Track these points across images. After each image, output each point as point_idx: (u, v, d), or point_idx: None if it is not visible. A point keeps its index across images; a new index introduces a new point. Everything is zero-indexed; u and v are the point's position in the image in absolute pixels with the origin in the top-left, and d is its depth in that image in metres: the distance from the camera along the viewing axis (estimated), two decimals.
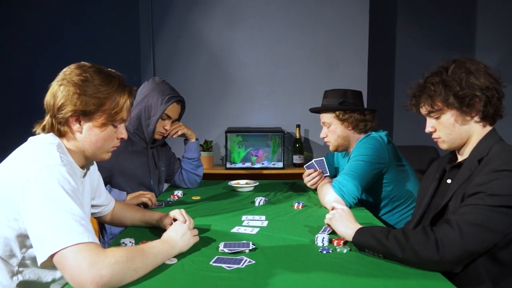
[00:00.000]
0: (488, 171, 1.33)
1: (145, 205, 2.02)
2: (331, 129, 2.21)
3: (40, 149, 1.23)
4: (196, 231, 1.50)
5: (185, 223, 1.50)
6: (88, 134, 1.31)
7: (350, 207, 1.96)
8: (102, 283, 1.06)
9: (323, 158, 2.27)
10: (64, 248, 1.06)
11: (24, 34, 4.24)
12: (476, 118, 1.44)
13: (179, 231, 1.39)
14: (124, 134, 1.39)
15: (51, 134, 1.31)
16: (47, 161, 1.18)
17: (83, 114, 1.28)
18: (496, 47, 4.17)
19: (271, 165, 3.45)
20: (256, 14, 3.55)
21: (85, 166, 1.42)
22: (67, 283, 1.12)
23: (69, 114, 1.27)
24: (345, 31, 3.56)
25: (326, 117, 2.22)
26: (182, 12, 3.55)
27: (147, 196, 2.03)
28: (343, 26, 3.56)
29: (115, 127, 1.36)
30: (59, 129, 1.30)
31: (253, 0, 3.54)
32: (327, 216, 1.60)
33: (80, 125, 1.30)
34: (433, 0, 4.21)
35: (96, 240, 1.11)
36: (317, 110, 2.28)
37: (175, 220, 1.59)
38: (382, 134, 2.16)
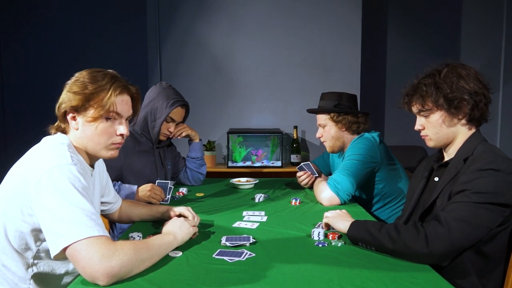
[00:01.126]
0: (473, 170, 1.32)
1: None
2: (326, 130, 2.21)
3: (52, 149, 1.24)
4: (194, 222, 1.50)
5: (193, 219, 1.51)
6: (83, 129, 1.30)
7: (344, 203, 1.96)
8: (113, 274, 1.06)
9: (309, 162, 2.32)
10: (76, 241, 1.06)
11: (45, 44, 4.24)
12: (463, 121, 1.44)
13: (176, 224, 1.41)
14: (122, 130, 1.34)
15: (62, 134, 1.32)
16: (58, 161, 1.18)
17: (75, 110, 1.29)
18: (478, 55, 4.17)
19: (270, 164, 3.45)
20: (256, 22, 3.55)
21: (94, 165, 1.42)
22: (79, 275, 1.12)
23: (63, 110, 1.30)
24: (339, 38, 3.56)
25: (322, 118, 2.22)
26: (187, 20, 3.54)
27: (156, 198, 1.97)
28: (337, 34, 3.55)
29: (108, 120, 1.31)
30: (60, 126, 1.33)
31: (254, 9, 3.54)
32: (326, 214, 1.59)
33: (76, 121, 1.31)
34: (421, 11, 4.20)
35: (106, 233, 1.11)
36: (313, 111, 2.28)
37: (179, 216, 1.59)
38: (375, 134, 2.16)
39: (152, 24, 3.55)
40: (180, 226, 1.40)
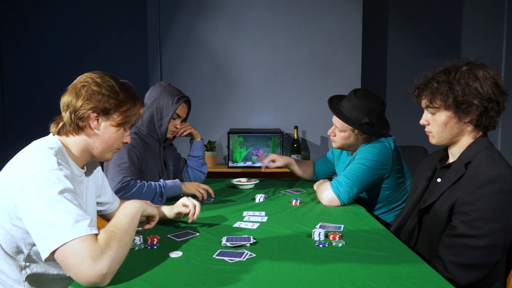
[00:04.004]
0: (475, 187, 1.32)
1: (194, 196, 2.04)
2: (343, 135, 2.08)
3: (38, 155, 1.22)
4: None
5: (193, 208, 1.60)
6: (103, 132, 1.33)
7: (344, 205, 1.95)
8: (106, 273, 1.07)
9: None
10: (63, 244, 1.06)
11: (45, 44, 4.24)
12: (469, 125, 1.41)
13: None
14: (128, 139, 1.43)
15: (56, 136, 1.32)
16: (43, 166, 1.17)
17: (103, 112, 1.31)
18: (479, 55, 4.13)
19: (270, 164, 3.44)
20: (257, 22, 3.55)
21: (86, 166, 1.41)
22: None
23: (91, 110, 1.29)
24: (340, 38, 3.56)
25: (342, 125, 2.06)
26: (188, 20, 3.54)
27: (201, 192, 2.06)
28: (338, 34, 3.55)
29: (125, 130, 1.39)
30: (78, 124, 1.30)
31: (255, 9, 3.54)
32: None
33: (98, 122, 1.32)
34: (422, 11, 4.20)
35: (94, 230, 1.11)
36: (338, 116, 2.05)
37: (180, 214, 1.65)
38: (390, 139, 2.09)
39: (152, 24, 3.55)
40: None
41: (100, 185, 1.58)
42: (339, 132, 2.10)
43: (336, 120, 2.10)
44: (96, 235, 1.11)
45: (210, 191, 2.09)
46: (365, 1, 3.57)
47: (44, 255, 1.08)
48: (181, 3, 3.53)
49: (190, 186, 2.07)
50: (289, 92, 3.59)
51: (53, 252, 1.07)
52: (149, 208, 1.43)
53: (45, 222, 1.09)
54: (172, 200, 2.01)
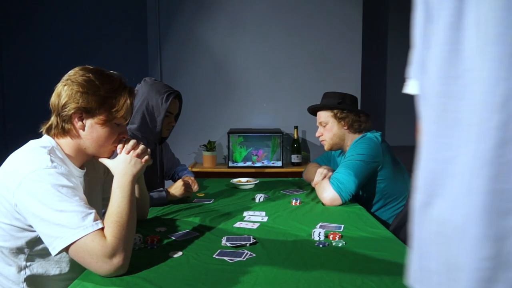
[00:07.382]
0: None
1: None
2: (328, 128, 2.20)
3: (31, 154, 1.22)
4: (143, 150, 1.37)
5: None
6: (90, 131, 1.29)
7: (345, 202, 1.96)
8: (123, 262, 1.12)
9: None
10: (73, 243, 1.09)
11: (45, 44, 4.24)
12: None
13: (124, 163, 1.31)
14: (125, 133, 1.38)
15: (49, 136, 1.31)
16: (37, 165, 1.17)
17: (85, 111, 1.27)
18: None
19: (270, 164, 3.45)
20: (257, 22, 3.55)
21: (85, 165, 1.40)
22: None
23: (72, 111, 1.26)
24: (340, 38, 3.56)
25: (324, 116, 2.21)
26: (188, 20, 3.54)
27: (188, 189, 2.05)
28: (338, 34, 3.55)
29: (117, 125, 1.34)
30: (63, 127, 1.28)
31: (255, 9, 3.54)
32: None
33: (83, 122, 1.28)
34: None
35: (99, 224, 1.12)
36: (316, 107, 2.26)
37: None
38: (377, 134, 2.15)
39: (152, 24, 3.56)
40: (128, 164, 1.31)
41: (103, 180, 1.57)
42: (323, 126, 2.23)
43: (318, 115, 2.25)
44: (103, 228, 1.13)
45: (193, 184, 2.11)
46: (365, 1, 3.57)
47: (53, 252, 1.11)
48: (181, 3, 3.53)
49: (175, 191, 2.02)
50: (289, 92, 3.60)
51: (64, 250, 1.10)
52: (137, 167, 1.32)
53: (50, 222, 1.10)
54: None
